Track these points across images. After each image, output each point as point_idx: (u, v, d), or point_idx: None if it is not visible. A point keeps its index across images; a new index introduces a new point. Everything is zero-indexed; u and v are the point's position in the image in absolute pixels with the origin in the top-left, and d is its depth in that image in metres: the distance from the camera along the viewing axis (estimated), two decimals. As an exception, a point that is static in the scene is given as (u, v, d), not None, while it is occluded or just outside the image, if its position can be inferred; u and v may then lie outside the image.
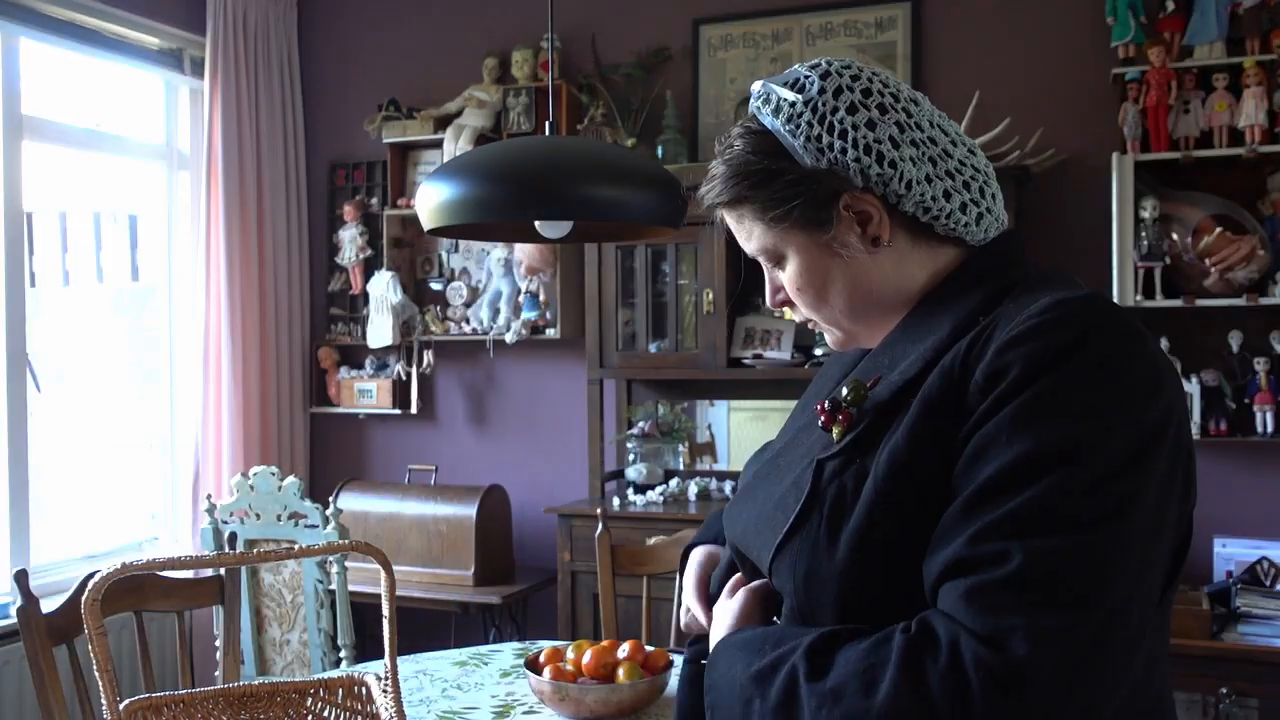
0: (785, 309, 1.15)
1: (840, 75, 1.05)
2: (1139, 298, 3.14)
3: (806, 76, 1.06)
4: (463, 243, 4.21)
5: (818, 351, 3.54)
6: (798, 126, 1.05)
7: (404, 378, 4.21)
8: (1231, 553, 3.20)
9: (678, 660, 1.99)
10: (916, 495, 0.93)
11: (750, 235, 1.11)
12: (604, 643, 2.04)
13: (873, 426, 0.99)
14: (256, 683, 1.52)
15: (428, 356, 4.17)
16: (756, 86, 1.10)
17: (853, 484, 0.97)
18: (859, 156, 1.03)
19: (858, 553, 0.94)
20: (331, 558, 3.01)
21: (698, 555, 1.27)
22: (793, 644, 0.94)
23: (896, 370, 1.02)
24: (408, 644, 3.36)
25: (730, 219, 1.12)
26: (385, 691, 1.45)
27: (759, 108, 1.09)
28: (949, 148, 1.06)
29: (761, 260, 1.13)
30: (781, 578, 1.01)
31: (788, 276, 1.11)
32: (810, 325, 1.16)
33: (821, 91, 1.05)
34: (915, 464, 0.93)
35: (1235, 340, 3.21)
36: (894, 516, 0.93)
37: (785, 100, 1.06)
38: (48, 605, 1.99)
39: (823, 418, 1.03)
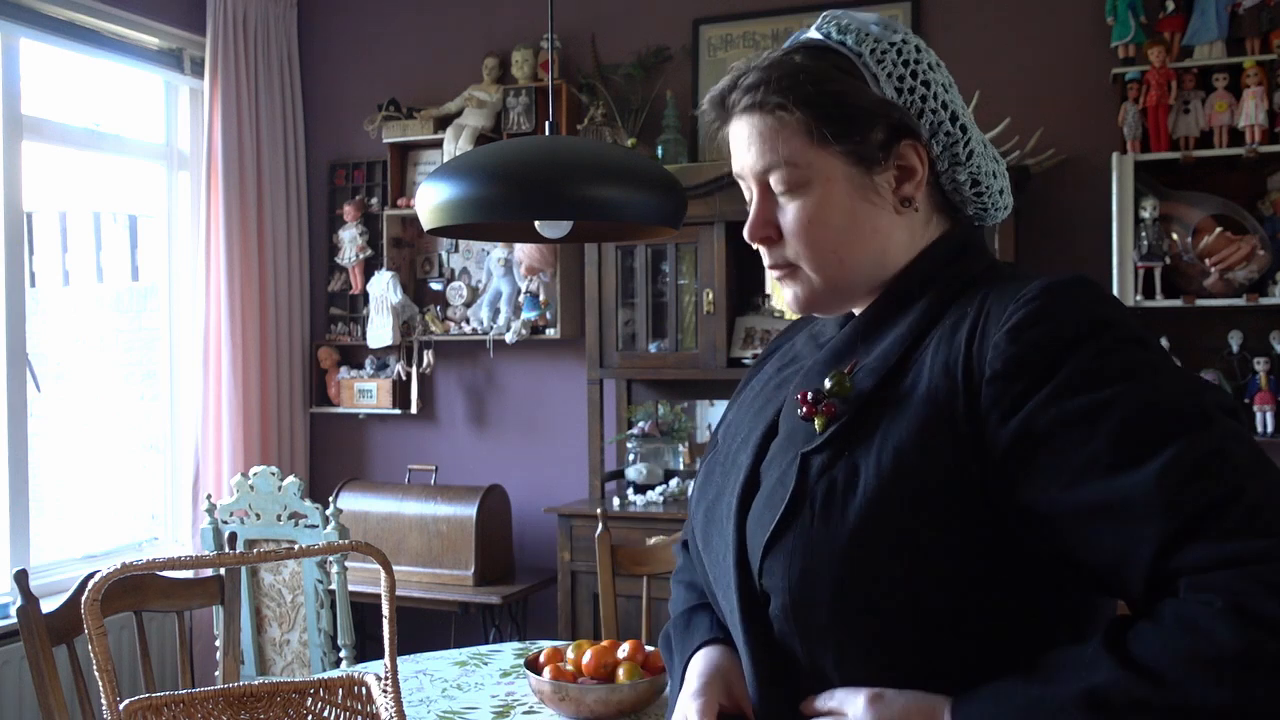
0: (761, 247, 1.06)
1: (917, 37, 1.04)
2: (1139, 298, 3.14)
3: (888, 23, 1.03)
4: (463, 243, 4.21)
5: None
6: (881, 58, 1.01)
7: (404, 378, 4.21)
8: (1231, 553, 3.20)
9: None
10: (927, 493, 0.91)
11: (777, 146, 1.01)
12: (604, 643, 2.04)
13: (859, 418, 0.96)
14: (256, 683, 1.52)
15: (428, 356, 4.17)
16: (831, 15, 1.05)
17: (844, 479, 0.94)
18: (936, 109, 1.01)
19: (862, 549, 0.92)
20: (331, 558, 3.01)
21: (705, 669, 1.08)
22: (1074, 674, 0.86)
23: (874, 355, 1.00)
24: (408, 644, 3.36)
25: (760, 124, 1.02)
26: (385, 691, 1.44)
27: (830, 31, 1.04)
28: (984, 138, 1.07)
29: (773, 179, 1.03)
30: (773, 576, 0.97)
31: (801, 207, 1.02)
32: (775, 276, 1.08)
33: (905, 41, 1.02)
34: (928, 462, 0.91)
35: (1235, 340, 3.21)
36: (903, 514, 0.91)
37: (870, 32, 1.02)
38: (48, 605, 1.99)
39: (804, 409, 0.99)
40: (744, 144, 1.04)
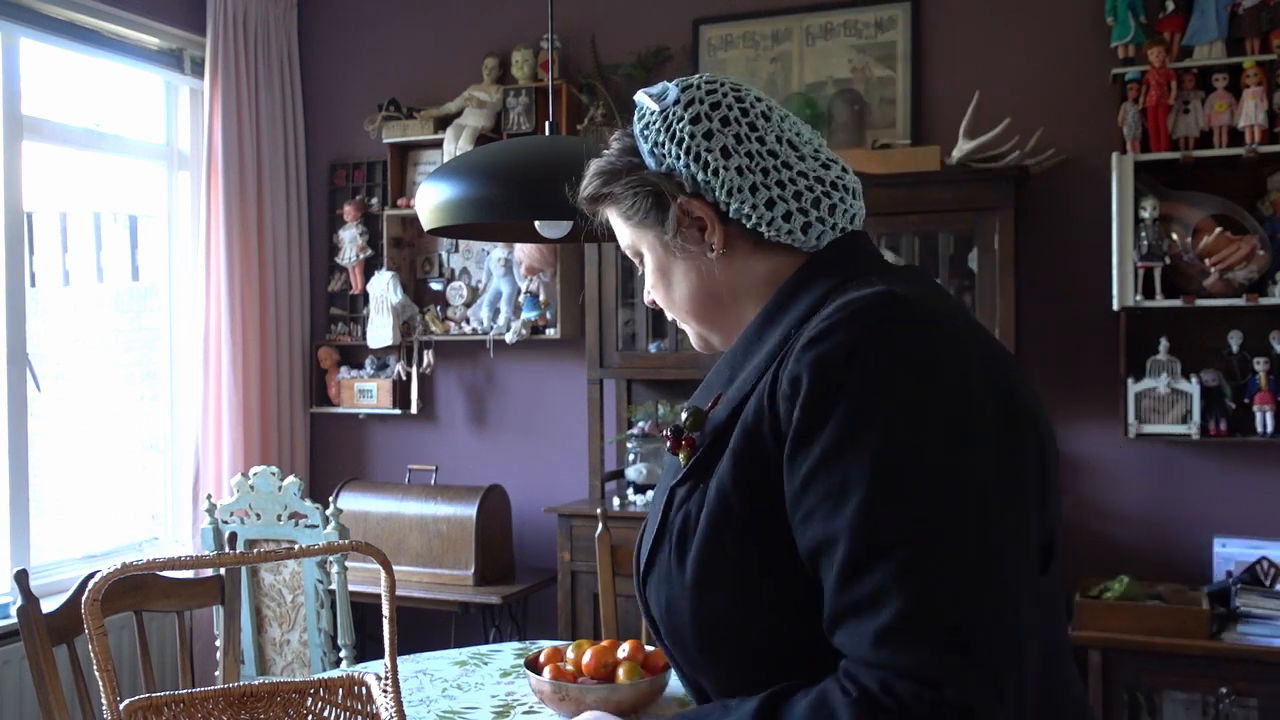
0: (657, 305, 1.21)
1: (698, 89, 1.11)
2: (1139, 298, 3.14)
3: (668, 88, 1.12)
4: (463, 243, 4.21)
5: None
6: (647, 132, 1.12)
7: (404, 378, 4.21)
8: (1231, 553, 3.20)
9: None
10: (745, 520, 0.95)
11: (619, 231, 1.19)
12: (604, 643, 2.04)
13: (710, 450, 1.02)
14: (256, 683, 1.52)
15: (428, 356, 4.17)
16: (639, 95, 1.16)
17: (695, 510, 0.99)
18: (689, 163, 1.09)
19: (702, 578, 0.97)
20: (331, 558, 3.01)
21: None
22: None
23: (734, 386, 1.05)
24: (408, 644, 3.36)
25: (603, 216, 1.20)
26: (385, 691, 1.45)
27: (635, 115, 1.15)
28: (791, 160, 1.09)
29: (632, 257, 1.20)
30: (651, 606, 1.05)
31: (646, 276, 1.18)
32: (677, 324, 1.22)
33: (676, 102, 1.10)
34: (741, 488, 0.96)
35: (1235, 340, 3.21)
36: (727, 542, 0.96)
37: (646, 108, 1.13)
38: (48, 605, 1.99)
39: (670, 443, 1.06)
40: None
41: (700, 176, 1.09)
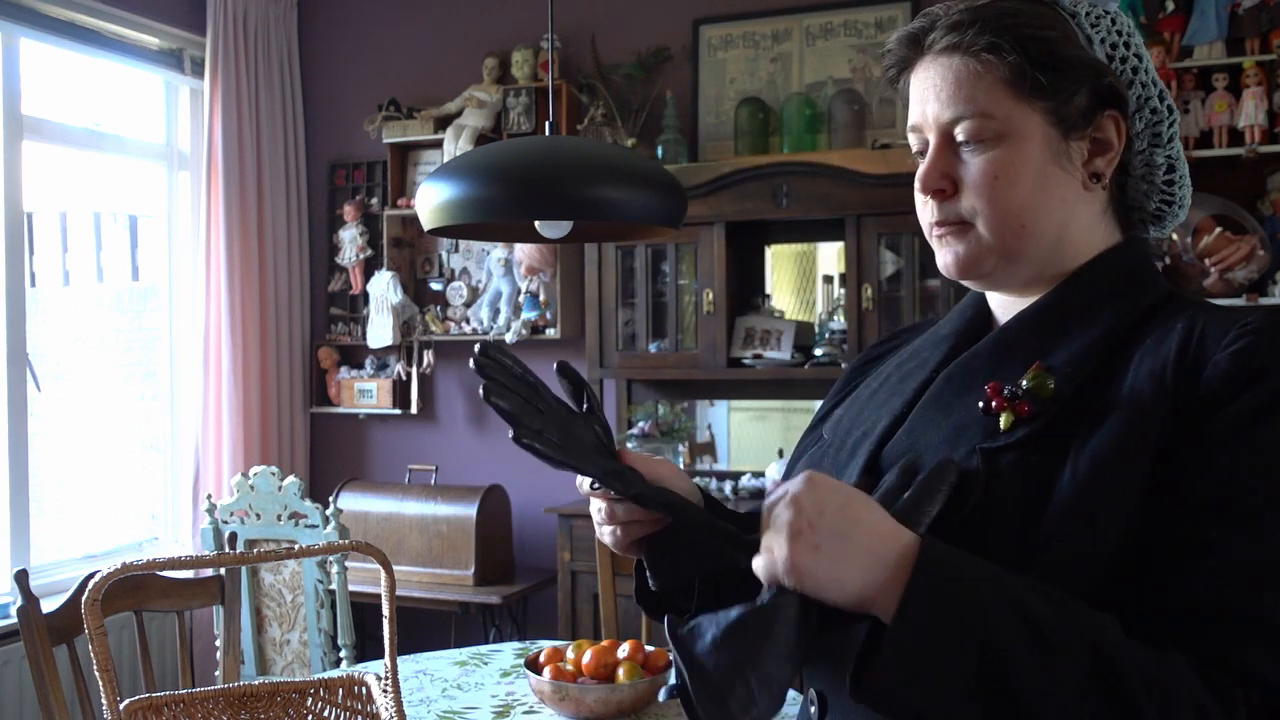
0: (932, 200, 0.99)
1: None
2: (1139, 298, 3.14)
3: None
4: (463, 243, 4.21)
5: (818, 351, 3.54)
6: (1096, 22, 0.96)
7: (404, 378, 4.21)
8: (1231, 553, 3.20)
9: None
10: (1121, 508, 0.86)
11: (975, 94, 0.95)
12: (604, 643, 2.04)
13: (1055, 424, 0.90)
14: (256, 683, 1.52)
15: (428, 356, 4.17)
16: None
17: (1037, 486, 0.88)
18: (1148, 82, 0.96)
19: (1048, 563, 0.86)
20: (331, 558, 3.01)
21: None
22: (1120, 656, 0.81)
23: (1059, 358, 0.94)
24: (408, 644, 3.36)
25: (960, 67, 0.96)
26: (385, 691, 1.45)
27: None
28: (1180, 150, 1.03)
29: (960, 129, 0.96)
30: None
31: (990, 161, 0.95)
32: (938, 234, 1.00)
33: (1118, 14, 0.98)
34: (1126, 474, 0.86)
35: (1235, 340, 3.21)
36: (1093, 528, 0.86)
37: None
38: (48, 605, 1.99)
39: (994, 402, 0.92)
40: (933, 89, 0.97)
41: (1154, 101, 0.96)
